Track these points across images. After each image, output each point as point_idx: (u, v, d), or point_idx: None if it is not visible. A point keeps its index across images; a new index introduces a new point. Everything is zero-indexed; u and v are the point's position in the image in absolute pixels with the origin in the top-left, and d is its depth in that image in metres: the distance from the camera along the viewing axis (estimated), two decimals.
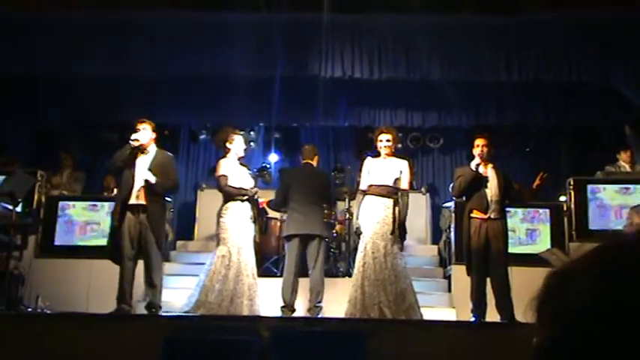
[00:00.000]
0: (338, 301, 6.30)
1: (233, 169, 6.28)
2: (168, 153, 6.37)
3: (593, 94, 8.74)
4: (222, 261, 6.05)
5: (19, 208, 6.30)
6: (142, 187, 5.88)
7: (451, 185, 9.07)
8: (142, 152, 6.02)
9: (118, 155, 6.02)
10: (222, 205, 6.24)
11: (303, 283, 6.38)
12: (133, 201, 5.86)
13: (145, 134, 6.03)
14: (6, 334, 4.78)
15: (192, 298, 6.00)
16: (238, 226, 6.13)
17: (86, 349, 4.63)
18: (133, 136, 5.97)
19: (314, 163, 6.70)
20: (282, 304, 6.21)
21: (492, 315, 5.81)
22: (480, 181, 5.98)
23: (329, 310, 6.39)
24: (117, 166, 6.04)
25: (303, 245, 6.32)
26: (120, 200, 5.92)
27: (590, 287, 0.73)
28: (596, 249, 0.77)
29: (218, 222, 6.21)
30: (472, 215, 5.98)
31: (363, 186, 6.24)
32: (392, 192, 6.09)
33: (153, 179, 5.90)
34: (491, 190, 5.98)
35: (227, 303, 5.91)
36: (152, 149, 6.10)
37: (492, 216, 5.93)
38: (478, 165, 5.98)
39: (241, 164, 6.44)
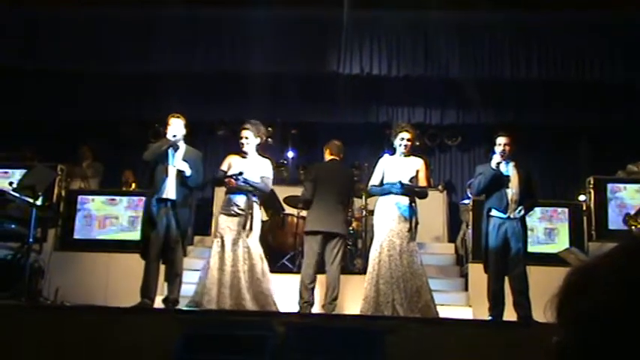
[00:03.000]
0: (354, 297, 6.30)
1: (235, 162, 6.26)
2: (198, 151, 6.36)
3: (615, 92, 8.64)
4: (215, 253, 6.05)
5: (39, 202, 6.38)
6: (174, 181, 5.92)
7: (469, 182, 9.04)
8: (175, 148, 6.04)
9: (155, 149, 6.02)
10: None
11: (320, 280, 6.39)
12: (164, 195, 5.90)
13: (179, 129, 6.05)
14: (25, 326, 4.83)
15: (195, 293, 6.06)
16: (227, 217, 6.12)
17: (104, 341, 4.67)
18: (173, 133, 5.99)
19: (338, 159, 6.66)
20: (300, 299, 6.22)
21: (509, 314, 5.78)
22: (501, 180, 5.90)
23: (345, 307, 6.39)
24: (151, 160, 6.02)
25: (324, 242, 6.29)
26: (152, 194, 5.93)
27: (612, 287, 0.72)
28: (618, 248, 0.76)
29: None
30: (491, 214, 5.93)
31: (373, 182, 6.19)
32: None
33: (188, 171, 5.94)
34: (512, 189, 5.92)
35: (227, 296, 5.89)
36: (182, 145, 6.13)
37: (512, 215, 5.87)
38: (499, 164, 5.90)
39: (263, 155, 6.38)
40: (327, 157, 6.65)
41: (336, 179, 6.44)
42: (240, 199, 6.13)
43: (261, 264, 6.08)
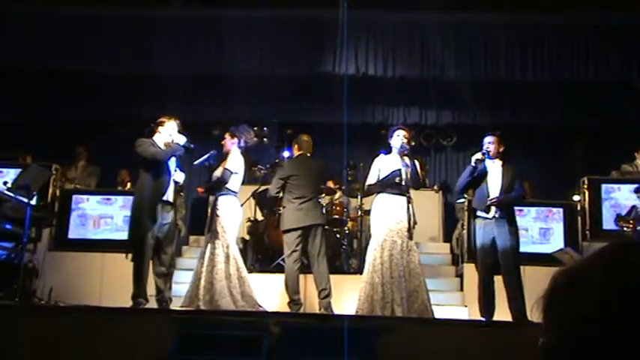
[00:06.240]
0: (349, 297, 6.30)
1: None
2: None
3: (611, 92, 8.66)
4: (200, 255, 6.21)
5: (33, 201, 6.35)
6: (172, 185, 6.00)
7: None
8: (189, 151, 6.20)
9: (170, 152, 5.97)
10: None
11: (309, 280, 6.39)
12: (166, 197, 5.92)
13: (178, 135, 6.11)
14: (19, 326, 4.82)
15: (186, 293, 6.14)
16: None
17: (98, 342, 4.66)
18: (186, 142, 6.03)
19: (309, 154, 6.68)
20: (289, 300, 6.21)
21: (503, 314, 5.78)
22: (480, 178, 5.93)
23: (340, 307, 6.38)
24: (163, 160, 5.96)
25: (304, 237, 6.31)
26: (157, 196, 5.87)
27: (598, 288, 0.72)
28: (604, 249, 0.76)
29: None
30: (477, 215, 5.94)
31: (370, 181, 6.19)
32: (405, 190, 6.07)
33: (182, 180, 6.14)
34: (493, 189, 5.91)
35: (187, 297, 5.98)
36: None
37: (497, 215, 5.85)
38: (477, 160, 5.92)
39: (243, 155, 6.52)
40: (296, 152, 6.68)
41: (307, 174, 6.46)
42: (210, 202, 6.28)
43: (225, 266, 6.06)
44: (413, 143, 6.43)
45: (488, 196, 5.86)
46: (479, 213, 5.92)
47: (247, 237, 8.07)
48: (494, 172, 5.96)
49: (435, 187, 9.66)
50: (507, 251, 5.79)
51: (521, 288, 5.72)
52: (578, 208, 7.52)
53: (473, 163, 5.93)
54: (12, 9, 8.31)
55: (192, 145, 6.10)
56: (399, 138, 6.12)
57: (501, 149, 6.02)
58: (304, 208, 6.30)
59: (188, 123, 6.17)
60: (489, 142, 5.97)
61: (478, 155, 5.93)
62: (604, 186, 7.48)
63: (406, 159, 6.14)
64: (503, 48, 8.26)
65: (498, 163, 6.00)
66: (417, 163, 6.22)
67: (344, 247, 7.89)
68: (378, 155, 6.34)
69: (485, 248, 5.83)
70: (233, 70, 8.52)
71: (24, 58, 8.34)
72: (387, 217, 5.96)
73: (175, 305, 6.08)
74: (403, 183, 6.02)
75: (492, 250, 5.81)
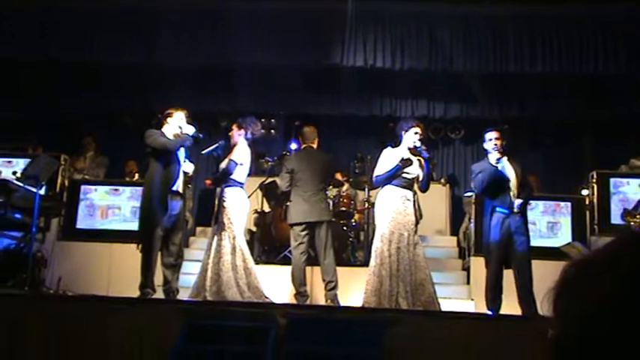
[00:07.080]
0: (356, 290, 6.31)
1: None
2: None
3: (619, 86, 8.60)
4: (207, 246, 6.26)
5: (42, 192, 6.39)
6: (182, 176, 6.05)
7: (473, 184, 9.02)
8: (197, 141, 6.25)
9: (179, 142, 6.01)
10: None
11: (316, 270, 6.40)
12: (175, 188, 5.94)
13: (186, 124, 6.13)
14: (28, 315, 4.85)
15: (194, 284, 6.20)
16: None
17: (106, 331, 4.69)
18: (195, 132, 6.05)
19: (315, 146, 6.66)
20: (296, 292, 6.22)
21: (509, 307, 5.78)
22: (502, 179, 5.89)
23: (347, 299, 6.40)
24: (173, 150, 5.99)
25: (312, 232, 6.31)
26: (167, 186, 5.90)
27: (607, 280, 0.72)
28: (614, 241, 0.76)
29: None
30: (496, 209, 5.90)
31: (378, 173, 6.15)
32: (411, 184, 6.06)
33: (191, 171, 6.16)
34: (513, 185, 5.89)
35: (214, 288, 6.00)
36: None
37: (515, 210, 5.86)
38: (498, 159, 5.89)
39: (250, 146, 6.54)
40: (302, 145, 6.66)
41: (314, 167, 6.44)
42: (217, 193, 6.30)
43: (231, 257, 6.08)
44: (423, 136, 6.34)
45: (509, 196, 5.84)
46: (498, 209, 5.88)
47: (254, 228, 8.09)
48: (507, 170, 5.94)
49: (442, 181, 9.63)
50: (522, 246, 5.80)
51: (532, 283, 5.71)
52: (587, 202, 7.49)
53: (495, 163, 5.88)
54: (17, 1, 8.32)
55: (200, 135, 6.14)
56: (416, 136, 6.04)
57: (504, 143, 5.99)
58: (311, 201, 6.30)
59: (195, 114, 6.19)
60: (496, 138, 5.93)
61: (496, 155, 5.89)
62: (613, 180, 7.44)
63: (421, 160, 6.09)
64: (512, 40, 8.20)
65: (504, 159, 5.96)
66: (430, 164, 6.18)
67: (351, 239, 7.89)
68: (385, 147, 6.31)
69: (502, 242, 5.81)
70: (240, 61, 8.50)
71: (30, 52, 8.35)
72: (394, 210, 5.94)
73: (182, 296, 6.11)
74: (410, 176, 6.00)
75: (507, 244, 5.81)
